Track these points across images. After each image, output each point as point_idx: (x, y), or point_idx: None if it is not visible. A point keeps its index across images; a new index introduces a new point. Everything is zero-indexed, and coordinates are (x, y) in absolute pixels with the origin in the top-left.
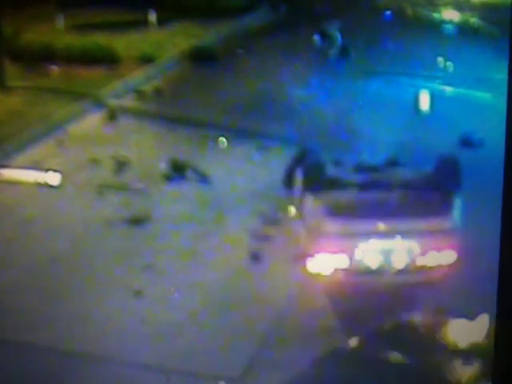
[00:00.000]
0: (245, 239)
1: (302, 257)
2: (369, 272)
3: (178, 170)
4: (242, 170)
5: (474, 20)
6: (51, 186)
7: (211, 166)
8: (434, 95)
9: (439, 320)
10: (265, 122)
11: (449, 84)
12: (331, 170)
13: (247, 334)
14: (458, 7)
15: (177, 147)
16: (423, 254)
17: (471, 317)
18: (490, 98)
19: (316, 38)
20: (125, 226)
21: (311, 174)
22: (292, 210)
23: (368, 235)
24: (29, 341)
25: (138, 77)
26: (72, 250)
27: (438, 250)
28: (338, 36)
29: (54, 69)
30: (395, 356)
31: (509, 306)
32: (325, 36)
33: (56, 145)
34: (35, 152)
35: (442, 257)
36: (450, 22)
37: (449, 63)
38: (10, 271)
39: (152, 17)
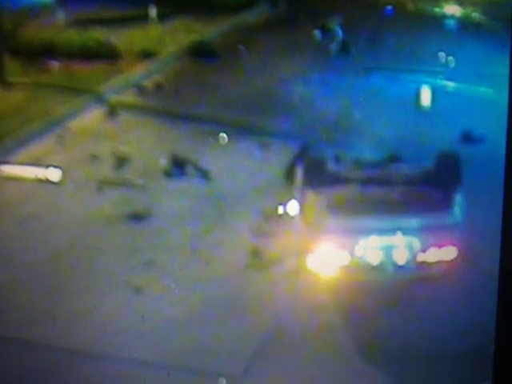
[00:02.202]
0: (246, 235)
1: (303, 253)
2: (370, 268)
3: (178, 166)
4: (242, 166)
5: (475, 15)
6: (52, 182)
7: (212, 162)
8: (435, 91)
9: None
10: (266, 117)
11: (450, 79)
12: (332, 166)
13: (248, 330)
14: (460, 2)
15: (177, 143)
16: (424, 250)
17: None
18: (491, 93)
19: (317, 33)
20: (125, 222)
21: (312, 170)
22: (293, 206)
23: (369, 231)
24: (29, 338)
25: (138, 72)
26: (72, 246)
27: (439, 246)
28: (338, 31)
29: (55, 64)
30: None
31: (509, 301)
32: (325, 31)
33: (56, 141)
34: (36, 148)
35: (443, 253)
36: (452, 16)
37: (450, 58)
38: (10, 268)
39: (152, 12)
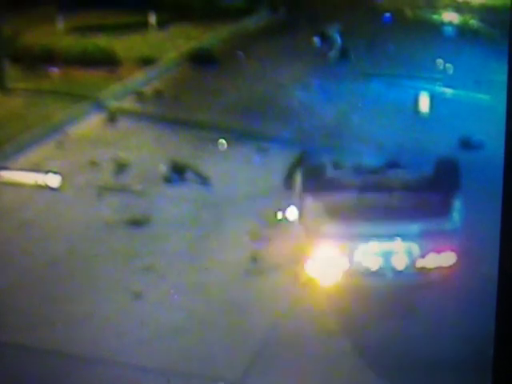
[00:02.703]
0: (245, 241)
1: (301, 259)
2: (369, 274)
3: (177, 172)
4: (241, 172)
5: (473, 22)
6: (51, 188)
7: (211, 168)
8: (433, 97)
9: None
10: (264, 123)
11: (448, 86)
12: (331, 172)
13: (247, 335)
14: (458, 9)
15: (176, 149)
16: (423, 255)
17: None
18: (489, 99)
19: (316, 40)
20: (124, 228)
21: (311, 176)
22: (292, 211)
23: (368, 237)
24: (28, 342)
25: (137, 79)
26: (71, 251)
27: (438, 251)
28: (337, 38)
29: (54, 71)
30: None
31: (509, 306)
32: (324, 38)
33: (56, 147)
34: (35, 154)
35: (442, 258)
36: (450, 24)
37: (448, 65)
38: (9, 273)
39: (152, 19)
